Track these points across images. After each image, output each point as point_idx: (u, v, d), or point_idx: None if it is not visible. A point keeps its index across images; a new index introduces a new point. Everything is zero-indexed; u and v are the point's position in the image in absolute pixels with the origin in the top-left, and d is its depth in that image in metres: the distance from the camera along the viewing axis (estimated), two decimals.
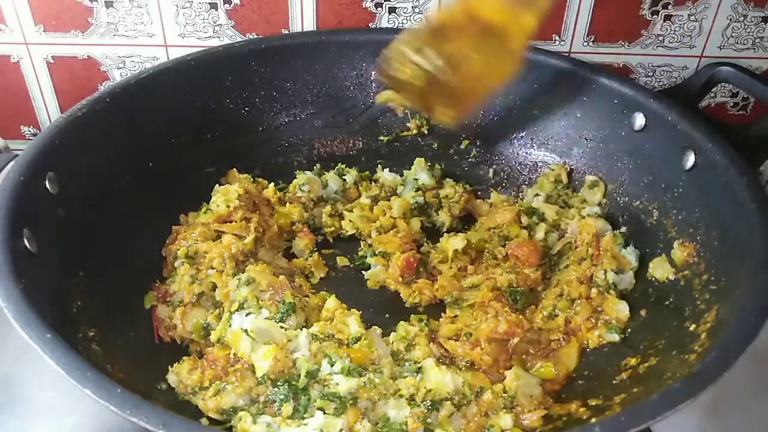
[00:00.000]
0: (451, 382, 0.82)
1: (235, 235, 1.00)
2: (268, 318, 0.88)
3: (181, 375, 0.85)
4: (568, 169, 1.13)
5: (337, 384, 0.81)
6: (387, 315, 0.98)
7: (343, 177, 1.15)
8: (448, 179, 1.17)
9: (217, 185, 1.09)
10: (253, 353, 0.84)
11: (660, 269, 0.95)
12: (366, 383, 0.81)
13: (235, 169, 1.12)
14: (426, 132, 1.20)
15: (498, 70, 0.89)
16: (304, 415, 0.79)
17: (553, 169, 1.13)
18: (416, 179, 1.15)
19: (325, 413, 0.79)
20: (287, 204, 1.11)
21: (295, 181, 1.13)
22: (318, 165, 1.18)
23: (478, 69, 0.87)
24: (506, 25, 0.86)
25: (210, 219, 1.01)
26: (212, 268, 0.96)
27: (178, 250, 0.98)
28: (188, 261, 0.97)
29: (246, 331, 0.85)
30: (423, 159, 1.18)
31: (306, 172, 1.14)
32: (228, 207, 1.02)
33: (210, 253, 0.97)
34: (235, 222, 1.01)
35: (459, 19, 0.87)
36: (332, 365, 0.83)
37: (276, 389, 0.81)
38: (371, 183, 1.17)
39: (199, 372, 0.84)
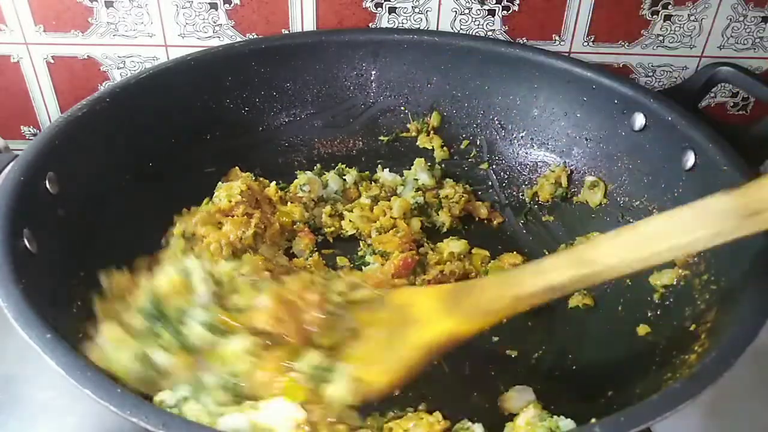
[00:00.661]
0: None
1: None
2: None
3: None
4: (569, 172, 1.12)
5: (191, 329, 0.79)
6: None
7: (344, 177, 1.15)
8: (448, 179, 1.17)
9: (219, 182, 1.09)
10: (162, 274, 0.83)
11: (665, 276, 0.94)
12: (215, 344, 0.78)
13: (237, 168, 1.12)
14: (426, 134, 1.21)
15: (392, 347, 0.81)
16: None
17: (553, 171, 1.13)
18: (416, 179, 1.15)
19: (163, 349, 0.77)
20: (288, 203, 1.11)
21: (295, 180, 1.13)
22: (318, 165, 1.18)
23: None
24: (424, 319, 0.82)
25: (212, 210, 1.02)
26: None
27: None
28: (184, 240, 0.97)
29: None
30: (423, 159, 1.18)
31: (306, 172, 1.14)
32: (230, 202, 1.02)
33: (207, 238, 0.97)
34: (237, 217, 1.01)
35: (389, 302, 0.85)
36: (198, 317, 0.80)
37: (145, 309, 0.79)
38: (371, 183, 1.17)
39: None
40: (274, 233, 1.05)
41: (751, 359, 0.68)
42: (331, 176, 1.14)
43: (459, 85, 1.17)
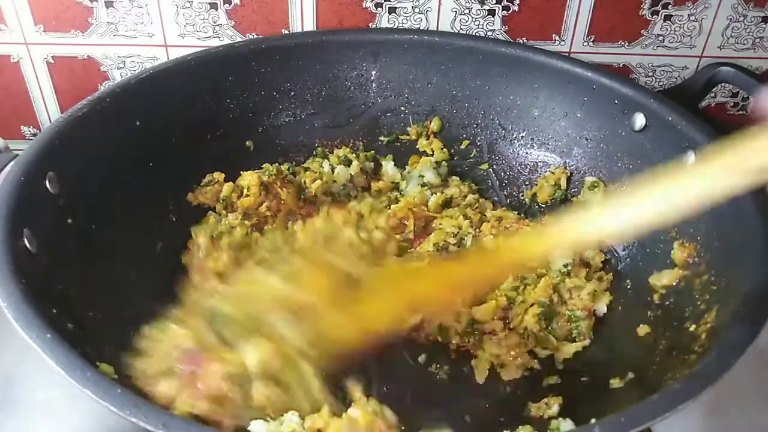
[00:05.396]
0: None
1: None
2: None
3: None
4: (569, 173, 1.12)
5: None
6: None
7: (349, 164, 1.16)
8: (453, 178, 1.18)
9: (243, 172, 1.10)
10: None
11: (666, 277, 0.94)
12: None
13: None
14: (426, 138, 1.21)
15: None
16: None
17: (553, 172, 1.13)
18: (422, 176, 1.16)
19: None
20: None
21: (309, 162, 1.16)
22: (319, 148, 1.19)
23: None
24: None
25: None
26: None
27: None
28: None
29: None
30: (429, 158, 1.18)
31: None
32: (263, 178, 1.08)
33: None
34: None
35: None
36: None
37: None
38: (375, 176, 1.18)
39: None
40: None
41: (752, 359, 0.68)
42: (340, 169, 1.15)
43: (459, 85, 1.17)
